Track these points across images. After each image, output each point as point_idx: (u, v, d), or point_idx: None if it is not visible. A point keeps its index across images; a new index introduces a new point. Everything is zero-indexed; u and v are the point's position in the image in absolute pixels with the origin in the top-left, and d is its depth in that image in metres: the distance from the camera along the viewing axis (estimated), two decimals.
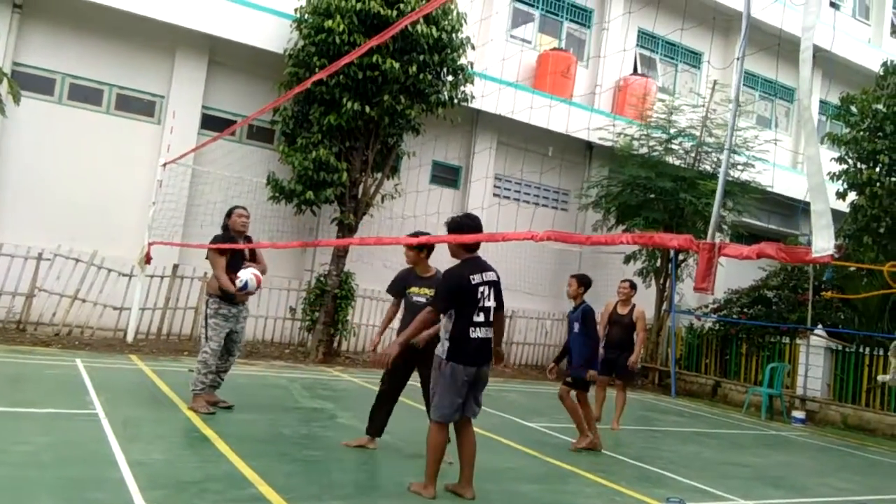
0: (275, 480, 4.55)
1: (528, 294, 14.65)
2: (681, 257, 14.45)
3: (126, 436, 5.26)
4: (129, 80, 11.96)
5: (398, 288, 5.91)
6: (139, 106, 12.13)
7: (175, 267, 11.53)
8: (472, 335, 4.55)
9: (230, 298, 6.57)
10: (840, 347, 12.20)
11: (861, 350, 11.88)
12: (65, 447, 4.87)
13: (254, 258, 6.91)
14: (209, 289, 6.75)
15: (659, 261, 14.60)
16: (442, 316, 4.63)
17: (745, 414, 11.95)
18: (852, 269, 12.02)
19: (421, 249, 5.66)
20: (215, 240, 6.76)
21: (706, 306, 14.99)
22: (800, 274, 13.93)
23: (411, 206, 12.96)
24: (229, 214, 6.90)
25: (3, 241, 10.50)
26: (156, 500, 3.96)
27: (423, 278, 5.74)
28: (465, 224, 4.73)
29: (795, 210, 17.30)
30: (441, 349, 4.61)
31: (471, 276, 4.58)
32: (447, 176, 14.83)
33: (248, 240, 6.97)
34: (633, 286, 8.72)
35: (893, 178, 12.51)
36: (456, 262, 4.74)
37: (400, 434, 6.52)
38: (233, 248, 6.60)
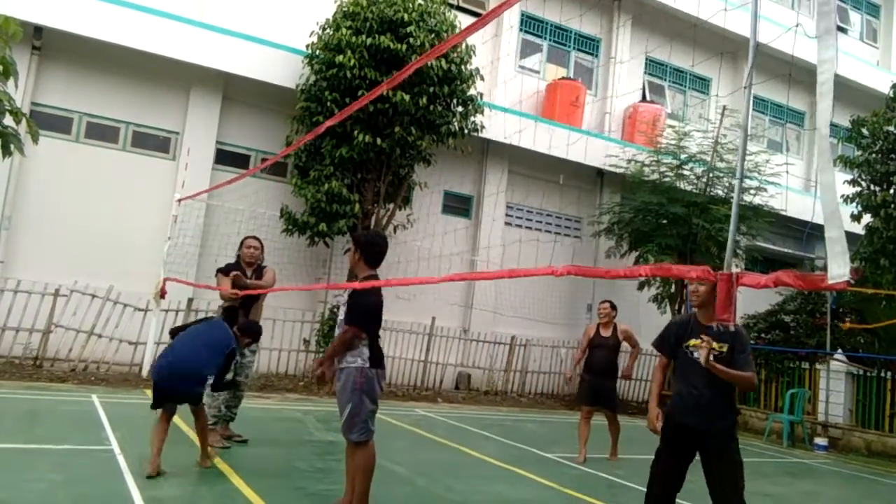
0: None
1: (542, 322, 14.58)
2: None
3: (142, 471, 5.24)
4: (145, 117, 12.18)
5: (674, 342, 4.34)
6: (154, 143, 12.32)
7: (190, 301, 11.59)
8: (379, 343, 4.65)
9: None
10: (861, 372, 12.01)
11: (882, 374, 11.68)
12: (80, 484, 4.86)
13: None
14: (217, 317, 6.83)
15: (673, 287, 14.50)
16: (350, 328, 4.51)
17: (767, 441, 11.75)
18: (870, 292, 11.88)
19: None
20: (223, 268, 6.90)
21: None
22: (817, 298, 13.78)
23: (425, 236, 13.02)
24: (240, 245, 7.09)
25: (21, 277, 10.62)
26: None
27: (707, 326, 4.06)
28: (375, 241, 4.79)
29: (809, 233, 17.19)
30: (360, 359, 4.47)
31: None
32: (459, 205, 14.89)
33: (261, 269, 7.01)
34: (613, 307, 8.20)
35: None
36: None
37: (412, 465, 6.47)
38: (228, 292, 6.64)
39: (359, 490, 4.47)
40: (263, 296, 7.06)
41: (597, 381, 7.93)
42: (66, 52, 11.52)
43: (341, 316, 4.66)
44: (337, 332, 4.66)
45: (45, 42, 11.32)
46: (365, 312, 4.52)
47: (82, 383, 9.63)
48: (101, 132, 11.93)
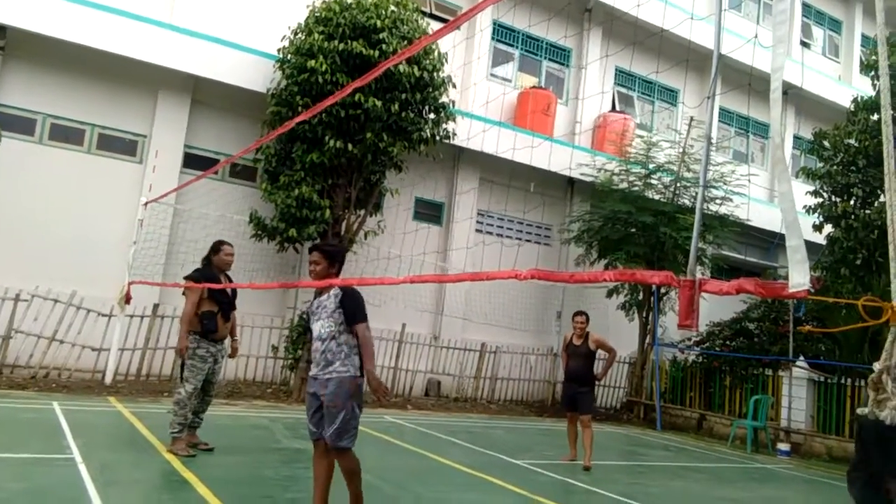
0: None
1: (511, 329, 14.64)
2: (663, 290, 14.56)
3: (104, 481, 5.14)
4: (111, 119, 11.97)
5: None
6: (121, 146, 12.12)
7: (155, 306, 11.41)
8: None
9: (209, 335, 6.51)
10: (822, 379, 12.27)
11: (843, 381, 11.95)
12: (41, 494, 4.75)
13: (234, 296, 6.88)
14: (188, 326, 6.67)
15: (641, 294, 14.69)
16: (343, 331, 4.53)
17: (731, 447, 11.93)
18: (831, 301, 12.16)
19: None
20: (193, 276, 6.69)
21: (689, 339, 15.06)
22: (780, 306, 14.06)
23: (395, 243, 13.00)
24: (216, 250, 6.84)
25: None
26: None
27: None
28: (344, 250, 4.92)
29: (777, 244, 17.56)
30: (352, 367, 4.49)
31: None
32: (430, 213, 14.90)
33: (229, 279, 6.93)
34: (588, 319, 8.55)
35: (868, 211, 12.77)
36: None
37: (380, 472, 6.44)
38: (211, 286, 6.55)
39: (356, 492, 4.49)
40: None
41: (571, 388, 8.34)
42: (30, 52, 11.28)
43: (318, 326, 4.60)
44: (318, 343, 4.57)
45: (8, 41, 11.07)
46: (363, 308, 4.60)
47: (43, 390, 9.42)
48: (66, 134, 11.70)
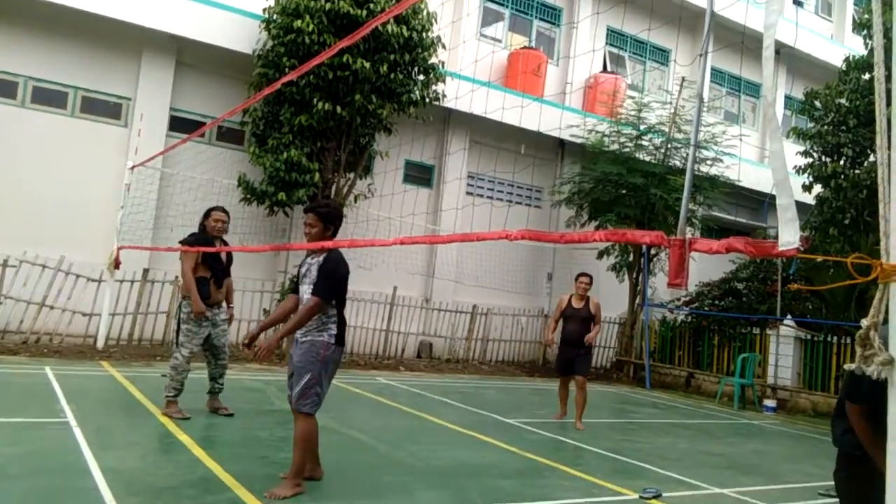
0: (252, 484, 4.52)
1: (502, 291, 14.71)
2: (653, 252, 14.63)
3: (99, 444, 5.18)
4: (95, 82, 11.76)
5: None
6: (105, 108, 11.93)
7: (145, 271, 11.37)
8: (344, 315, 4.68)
9: (203, 299, 6.51)
10: (809, 337, 12.45)
11: (829, 339, 12.14)
12: (36, 457, 4.78)
13: (230, 263, 6.87)
14: (183, 290, 6.69)
15: (631, 255, 14.76)
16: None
17: (719, 404, 12.15)
18: (819, 260, 12.26)
19: None
20: (188, 240, 6.68)
21: (678, 299, 15.21)
22: (769, 266, 14.18)
23: (385, 206, 12.94)
24: (207, 215, 6.81)
25: None
26: None
27: None
28: (340, 213, 4.86)
29: (763, 203, 17.62)
30: (326, 334, 4.49)
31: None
32: (420, 175, 14.83)
33: (224, 244, 6.91)
34: (591, 281, 8.65)
35: (857, 171, 12.79)
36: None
37: (374, 432, 6.52)
38: (205, 250, 6.53)
39: (297, 461, 4.46)
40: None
41: (570, 352, 8.28)
42: (9, 12, 11.00)
43: (303, 290, 4.59)
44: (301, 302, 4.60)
45: None
46: (335, 285, 4.53)
47: (35, 355, 9.43)
48: (49, 97, 11.49)
